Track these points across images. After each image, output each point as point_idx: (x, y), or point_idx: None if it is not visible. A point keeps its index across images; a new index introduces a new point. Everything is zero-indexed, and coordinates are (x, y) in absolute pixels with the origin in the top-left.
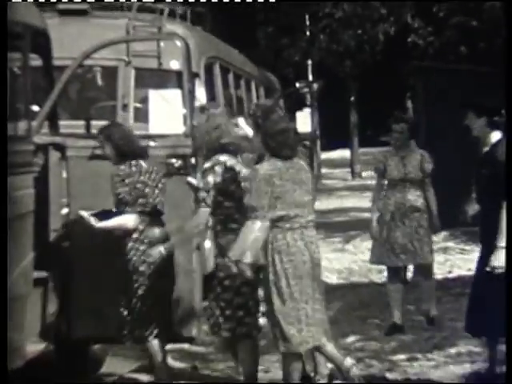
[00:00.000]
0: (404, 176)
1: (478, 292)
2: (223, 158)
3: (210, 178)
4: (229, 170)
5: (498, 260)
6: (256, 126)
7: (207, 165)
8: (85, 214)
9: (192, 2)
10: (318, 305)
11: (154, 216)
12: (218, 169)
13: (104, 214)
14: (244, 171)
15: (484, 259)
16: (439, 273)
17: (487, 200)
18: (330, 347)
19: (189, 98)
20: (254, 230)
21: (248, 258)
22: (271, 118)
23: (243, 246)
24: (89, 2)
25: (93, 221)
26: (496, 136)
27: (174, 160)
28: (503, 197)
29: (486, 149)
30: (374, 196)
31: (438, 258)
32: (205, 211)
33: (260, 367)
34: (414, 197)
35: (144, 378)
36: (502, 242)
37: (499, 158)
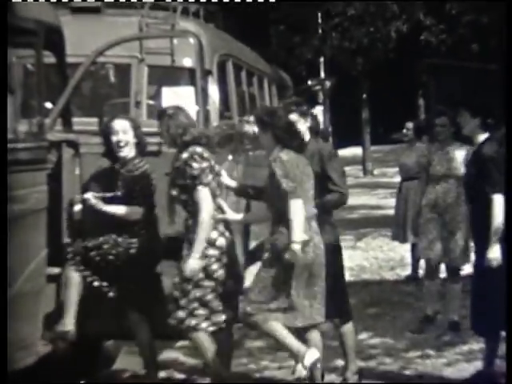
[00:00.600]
0: (447, 172)
1: (478, 290)
2: (198, 149)
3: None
4: (206, 159)
5: (494, 253)
6: (262, 124)
7: (185, 155)
8: (90, 195)
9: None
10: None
11: None
12: (198, 158)
13: (110, 198)
14: (217, 166)
15: (479, 256)
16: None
17: (476, 198)
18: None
19: (202, 95)
20: (298, 209)
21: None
22: (278, 114)
23: (300, 226)
24: (102, 0)
25: (99, 204)
26: (483, 136)
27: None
28: (492, 192)
29: (474, 148)
30: (420, 190)
31: None
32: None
33: (274, 364)
34: (455, 193)
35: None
36: (496, 235)
37: (485, 155)
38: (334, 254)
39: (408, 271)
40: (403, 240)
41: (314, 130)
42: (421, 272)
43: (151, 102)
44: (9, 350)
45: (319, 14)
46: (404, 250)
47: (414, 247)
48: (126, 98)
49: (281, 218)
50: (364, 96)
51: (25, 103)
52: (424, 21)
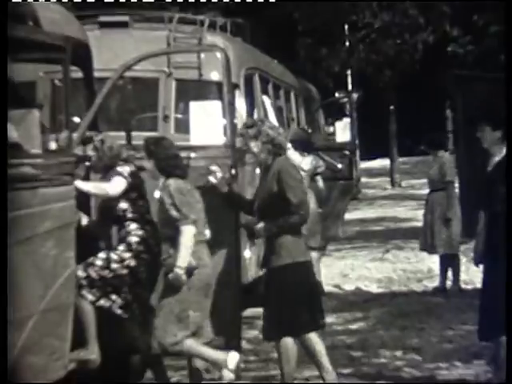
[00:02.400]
0: None
1: (486, 303)
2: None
3: None
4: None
5: None
6: (149, 153)
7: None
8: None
9: (232, 14)
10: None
11: None
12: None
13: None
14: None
15: (494, 264)
16: (478, 281)
17: (496, 207)
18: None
19: (229, 108)
20: (188, 235)
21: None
22: (162, 145)
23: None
24: (130, 14)
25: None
26: (504, 150)
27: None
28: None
29: (497, 159)
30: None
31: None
32: None
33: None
34: None
35: None
36: None
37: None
38: (290, 273)
39: (435, 283)
40: (431, 251)
41: (279, 147)
42: (448, 283)
43: (179, 116)
44: (40, 363)
45: (346, 27)
46: (431, 262)
47: (442, 258)
48: (153, 112)
49: (169, 241)
50: (391, 108)
51: (52, 118)
52: (450, 32)
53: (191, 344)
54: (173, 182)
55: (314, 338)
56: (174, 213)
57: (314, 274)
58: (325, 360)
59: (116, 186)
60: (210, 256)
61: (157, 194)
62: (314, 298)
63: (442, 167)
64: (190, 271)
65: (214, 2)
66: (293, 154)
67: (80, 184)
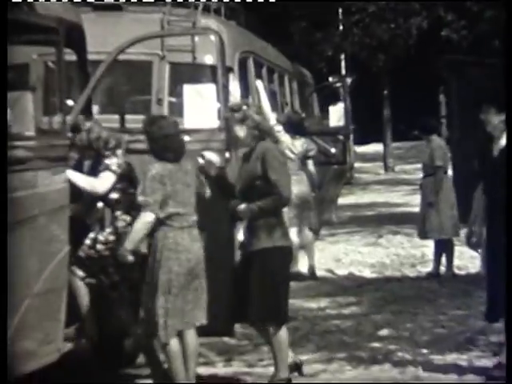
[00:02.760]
0: None
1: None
2: None
3: None
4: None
5: None
6: (145, 133)
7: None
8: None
9: None
10: (196, 300)
11: None
12: None
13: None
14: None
15: (497, 247)
16: (472, 266)
17: (500, 191)
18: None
19: (223, 92)
20: (143, 221)
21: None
22: (157, 124)
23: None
24: None
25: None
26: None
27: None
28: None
29: (502, 143)
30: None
31: (472, 252)
32: None
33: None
34: None
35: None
36: None
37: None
38: (268, 257)
39: (429, 268)
40: (422, 236)
41: (263, 131)
42: (442, 269)
43: (173, 100)
44: (33, 347)
45: (340, 11)
46: (425, 247)
47: (436, 243)
48: (147, 95)
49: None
50: (385, 92)
51: (46, 101)
52: (445, 17)
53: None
54: (155, 168)
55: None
56: (140, 197)
57: (290, 262)
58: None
59: (104, 182)
60: (195, 240)
61: None
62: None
63: (432, 152)
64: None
65: None
66: (283, 136)
67: (71, 175)
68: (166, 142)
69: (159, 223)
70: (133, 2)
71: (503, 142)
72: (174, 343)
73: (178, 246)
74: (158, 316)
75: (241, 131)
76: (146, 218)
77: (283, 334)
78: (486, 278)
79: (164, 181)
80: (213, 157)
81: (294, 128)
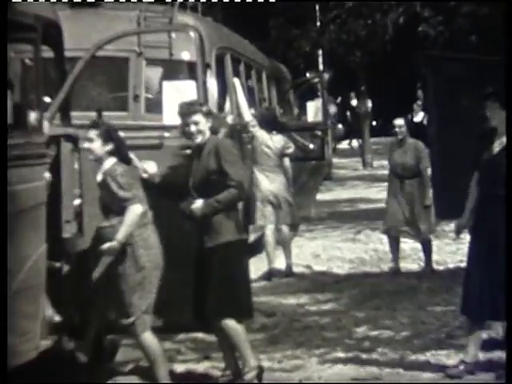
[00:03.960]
0: None
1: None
2: None
3: None
4: None
5: None
6: (109, 137)
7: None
8: None
9: None
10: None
11: None
12: None
13: None
14: None
15: (483, 244)
16: (451, 261)
17: (495, 188)
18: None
19: (202, 88)
20: (133, 213)
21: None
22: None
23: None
24: None
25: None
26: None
27: (188, 151)
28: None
29: (505, 140)
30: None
31: (451, 247)
32: None
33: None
34: None
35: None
36: None
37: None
38: (227, 251)
39: (407, 263)
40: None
41: (214, 127)
42: (402, 265)
43: (150, 96)
44: (11, 345)
45: (317, 7)
46: (403, 242)
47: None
48: (124, 92)
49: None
50: (362, 88)
51: (23, 98)
52: (421, 12)
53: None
54: (120, 166)
55: (150, 339)
56: (121, 193)
57: (247, 255)
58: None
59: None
60: (156, 236)
61: (99, 177)
62: (247, 282)
63: (417, 153)
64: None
65: None
66: (258, 131)
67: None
68: (126, 146)
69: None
70: None
71: (504, 139)
72: (150, 337)
73: (147, 243)
74: (133, 312)
75: (202, 125)
76: (135, 210)
77: (239, 327)
78: (465, 271)
79: (127, 176)
80: (151, 167)
81: (269, 124)
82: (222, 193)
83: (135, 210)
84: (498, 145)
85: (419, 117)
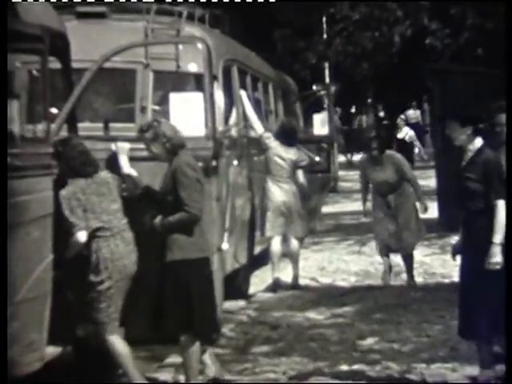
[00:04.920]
0: None
1: (467, 293)
2: None
3: None
4: None
5: (497, 256)
6: (57, 156)
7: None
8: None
9: (210, 5)
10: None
11: None
12: None
13: None
14: None
15: (471, 260)
16: (456, 275)
17: (474, 203)
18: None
19: (209, 100)
20: (76, 240)
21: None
22: (70, 144)
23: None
24: (107, 5)
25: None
26: (478, 142)
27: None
28: (495, 196)
29: (470, 154)
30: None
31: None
32: None
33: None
34: None
35: (166, 376)
36: (498, 240)
37: (485, 161)
38: (180, 269)
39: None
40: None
41: (177, 146)
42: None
43: (157, 108)
44: (16, 355)
45: (324, 19)
46: None
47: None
48: (131, 103)
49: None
50: (369, 101)
51: (30, 108)
52: (429, 25)
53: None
54: (65, 189)
55: (118, 343)
56: (69, 218)
57: (208, 274)
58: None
59: None
60: (128, 244)
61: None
62: (205, 301)
63: (398, 167)
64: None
65: None
66: (272, 143)
67: None
68: (82, 159)
69: (91, 235)
70: (116, 10)
71: (470, 154)
72: (118, 341)
73: (114, 255)
74: (100, 318)
75: (155, 148)
76: (78, 237)
77: (195, 347)
78: (459, 291)
79: (78, 196)
80: (131, 171)
81: (287, 136)
82: (173, 215)
83: (77, 238)
84: (466, 160)
85: (403, 133)
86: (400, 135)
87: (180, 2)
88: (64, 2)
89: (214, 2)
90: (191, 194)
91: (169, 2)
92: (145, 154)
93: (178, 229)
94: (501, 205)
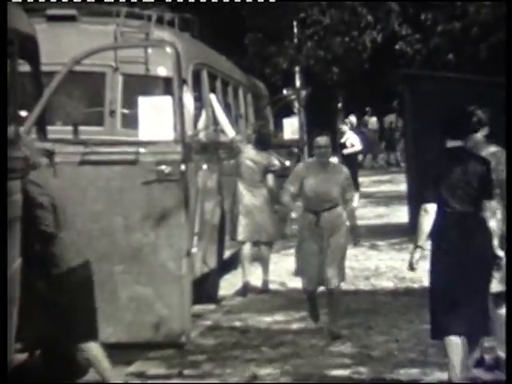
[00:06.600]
0: None
1: (443, 293)
2: None
3: None
4: None
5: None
6: None
7: None
8: None
9: (180, 8)
10: None
11: None
12: None
13: None
14: None
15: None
16: (425, 280)
17: (464, 205)
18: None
19: (178, 104)
20: None
21: None
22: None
23: None
24: (77, 8)
25: None
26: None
27: (163, 167)
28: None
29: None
30: None
31: (426, 265)
32: None
33: None
34: None
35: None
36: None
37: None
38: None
39: (383, 281)
40: None
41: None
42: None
43: (126, 111)
44: None
45: (295, 23)
46: (379, 260)
47: None
48: (101, 106)
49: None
50: (339, 105)
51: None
52: (399, 30)
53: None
54: None
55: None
56: None
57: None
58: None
59: None
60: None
61: None
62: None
63: (344, 180)
64: None
65: None
66: (244, 147)
67: None
68: None
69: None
70: (86, 13)
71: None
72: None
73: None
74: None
75: (27, 151)
76: None
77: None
78: (429, 294)
79: None
80: None
81: (260, 140)
82: None
83: None
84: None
85: (344, 137)
86: (342, 140)
87: (150, 4)
88: (34, 5)
89: (184, 5)
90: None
91: (139, 5)
92: (114, 157)
93: None
94: (494, 205)
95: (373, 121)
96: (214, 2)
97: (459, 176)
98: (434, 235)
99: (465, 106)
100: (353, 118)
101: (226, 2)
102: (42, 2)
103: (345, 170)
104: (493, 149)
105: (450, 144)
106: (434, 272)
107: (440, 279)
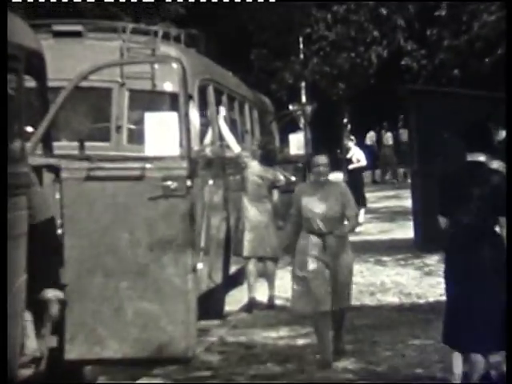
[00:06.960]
0: None
1: (458, 305)
2: None
3: None
4: None
5: None
6: None
7: None
8: None
9: (186, 24)
10: None
11: None
12: None
13: None
14: None
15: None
16: (431, 296)
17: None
18: None
19: (184, 120)
20: None
21: None
22: None
23: None
24: (83, 24)
25: None
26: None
27: (169, 182)
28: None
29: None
30: None
31: (431, 280)
32: None
33: None
34: None
35: None
36: None
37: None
38: None
39: (388, 296)
40: None
41: None
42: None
43: (132, 127)
44: None
45: (301, 39)
46: (385, 275)
47: None
48: (107, 122)
49: None
50: (345, 121)
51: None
52: (405, 46)
53: None
54: None
55: None
56: None
57: None
58: None
59: None
60: None
61: None
62: None
63: (343, 197)
64: None
65: (169, 12)
66: (251, 162)
67: None
68: None
69: None
70: (93, 29)
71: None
72: None
73: None
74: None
75: None
76: None
77: None
78: (446, 302)
79: None
80: None
81: (266, 156)
82: None
83: None
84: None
85: (350, 153)
86: (348, 155)
87: (156, 21)
88: (40, 21)
89: (191, 22)
90: None
91: (145, 21)
92: (120, 173)
93: None
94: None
95: (388, 136)
96: (220, 16)
97: (477, 190)
98: (448, 248)
99: (484, 121)
100: (372, 134)
101: (232, 18)
102: (48, 18)
103: (342, 185)
104: (495, 164)
105: (470, 158)
106: (447, 285)
107: (452, 292)
